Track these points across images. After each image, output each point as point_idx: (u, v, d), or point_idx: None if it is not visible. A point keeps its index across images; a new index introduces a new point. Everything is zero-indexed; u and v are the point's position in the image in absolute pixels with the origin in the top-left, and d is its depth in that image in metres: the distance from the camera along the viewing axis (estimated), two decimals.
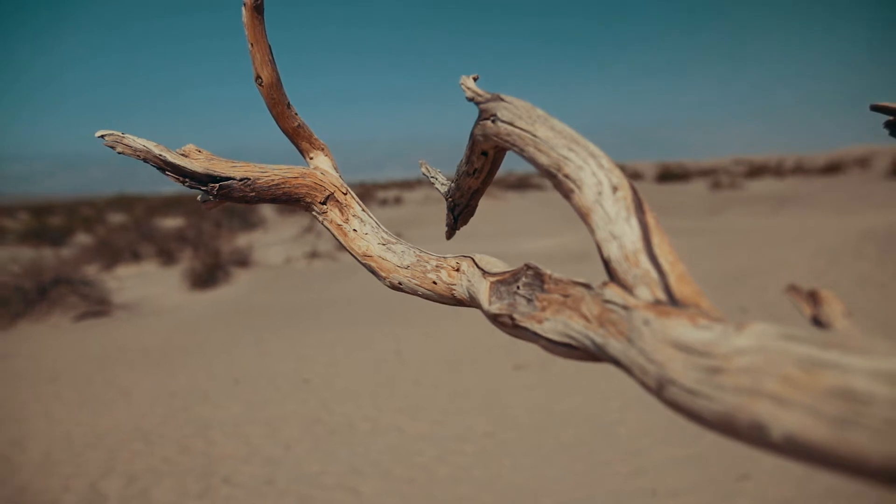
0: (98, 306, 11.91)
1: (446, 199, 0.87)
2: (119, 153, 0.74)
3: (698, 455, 4.42)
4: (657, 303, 0.44)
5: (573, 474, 4.26)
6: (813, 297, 0.46)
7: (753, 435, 0.34)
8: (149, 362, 7.90)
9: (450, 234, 0.91)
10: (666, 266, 0.46)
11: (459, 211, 0.86)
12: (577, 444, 4.76)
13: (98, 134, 0.74)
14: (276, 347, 8.25)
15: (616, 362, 0.46)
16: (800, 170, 42.99)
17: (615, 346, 0.45)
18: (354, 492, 4.12)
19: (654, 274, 0.45)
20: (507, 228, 20.07)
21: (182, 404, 6.19)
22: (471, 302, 0.64)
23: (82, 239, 22.66)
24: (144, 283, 14.87)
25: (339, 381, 6.72)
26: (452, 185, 0.84)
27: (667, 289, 0.45)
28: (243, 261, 15.23)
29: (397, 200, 32.00)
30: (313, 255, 16.01)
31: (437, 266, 0.69)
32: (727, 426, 0.35)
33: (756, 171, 43.02)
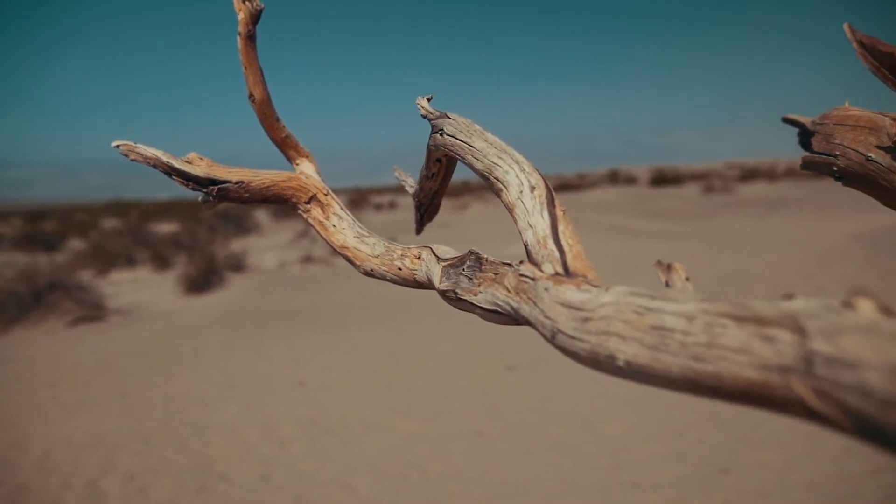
0: (93, 311, 11.96)
1: (414, 200, 1.00)
2: (132, 160, 0.86)
3: (681, 451, 4.55)
4: (556, 275, 0.57)
5: (560, 470, 4.38)
6: (667, 268, 0.58)
7: (609, 364, 0.47)
8: (145, 366, 7.97)
9: (418, 230, 1.04)
10: (566, 248, 0.59)
11: (424, 209, 0.99)
12: (564, 442, 4.89)
13: (113, 144, 0.86)
14: (272, 351, 8.35)
15: (527, 321, 0.58)
16: (792, 173, 43.32)
17: (525, 308, 0.58)
18: (349, 488, 4.23)
19: (556, 254, 0.58)
20: (501, 233, 20.21)
21: (179, 407, 6.27)
22: (429, 284, 0.77)
23: (76, 244, 22.67)
24: (139, 289, 14.92)
25: (334, 383, 6.83)
26: (417, 187, 0.97)
27: (564, 265, 0.58)
28: (238, 265, 15.30)
29: (392, 205, 32.10)
30: (308, 259, 16.10)
31: (402, 255, 0.82)
32: (593, 360, 0.48)
33: (749, 174, 43.31)
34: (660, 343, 0.42)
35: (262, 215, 27.61)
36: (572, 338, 0.50)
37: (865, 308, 0.34)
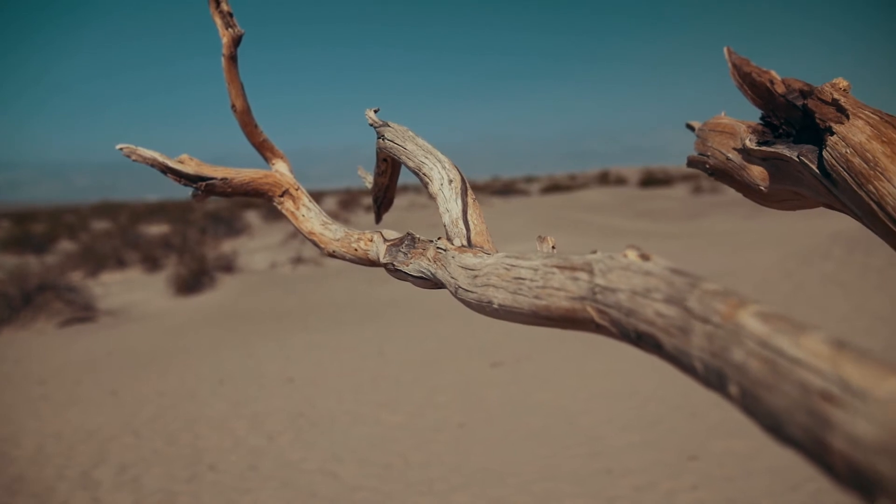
0: (83, 312, 12.00)
1: (371, 194, 1.18)
2: (133, 161, 1.02)
3: (654, 440, 4.75)
4: (462, 247, 0.74)
5: (538, 458, 4.56)
6: (542, 239, 0.76)
7: (489, 307, 0.64)
8: (136, 365, 8.07)
9: (377, 220, 1.21)
10: (472, 226, 0.76)
11: (380, 202, 1.17)
12: (543, 432, 5.07)
13: (117, 147, 1.03)
14: (262, 350, 8.48)
15: (441, 283, 0.76)
16: None
17: (440, 273, 0.75)
18: (334, 476, 4.39)
19: (464, 231, 0.76)
20: (492, 233, 20.39)
21: (169, 403, 6.40)
22: (377, 261, 0.94)
23: (66, 246, 22.62)
24: (129, 290, 14.97)
25: (323, 379, 6.97)
26: (373, 183, 1.15)
27: (469, 239, 0.75)
28: (228, 266, 15.38)
29: None
30: (298, 260, 16.20)
31: (358, 238, 0.99)
32: (479, 305, 0.65)
33: None
34: (517, 288, 0.60)
35: (252, 217, 27.64)
36: (467, 291, 0.67)
37: (631, 255, 0.51)
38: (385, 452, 4.78)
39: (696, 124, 1.08)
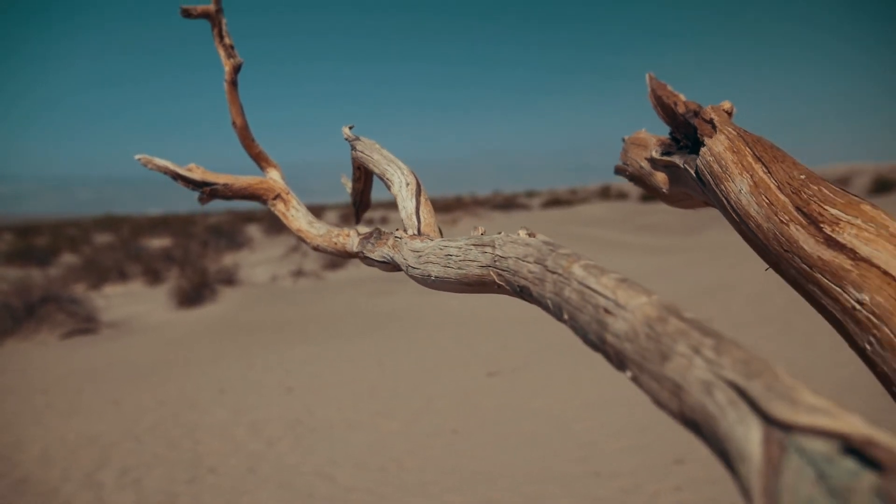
0: (86, 324, 12.15)
1: (351, 198, 1.37)
2: (150, 169, 1.21)
3: (644, 445, 4.89)
4: (413, 235, 0.93)
5: (529, 461, 4.70)
6: (475, 228, 0.94)
7: (428, 280, 0.82)
8: (137, 375, 8.22)
9: (357, 220, 1.40)
10: (423, 219, 0.96)
11: (358, 204, 1.36)
12: (535, 438, 5.21)
13: (136, 157, 1.22)
14: (262, 360, 8.62)
15: (397, 265, 0.94)
16: None
17: (396, 256, 0.94)
18: (330, 479, 4.54)
19: (416, 223, 0.95)
20: None
21: (170, 411, 6.55)
22: (352, 251, 1.13)
23: (68, 259, 22.85)
24: (131, 302, 15.14)
25: (322, 388, 7.12)
26: (352, 189, 1.34)
27: (419, 229, 0.94)
28: (230, 279, 15.56)
29: (384, 220, 32.47)
30: (299, 273, 16.39)
31: (338, 234, 1.18)
32: (423, 279, 0.84)
33: None
34: (447, 263, 0.78)
35: (254, 230, 27.90)
36: (414, 268, 0.86)
37: (521, 233, 0.70)
38: (381, 457, 4.92)
39: (627, 138, 1.27)
